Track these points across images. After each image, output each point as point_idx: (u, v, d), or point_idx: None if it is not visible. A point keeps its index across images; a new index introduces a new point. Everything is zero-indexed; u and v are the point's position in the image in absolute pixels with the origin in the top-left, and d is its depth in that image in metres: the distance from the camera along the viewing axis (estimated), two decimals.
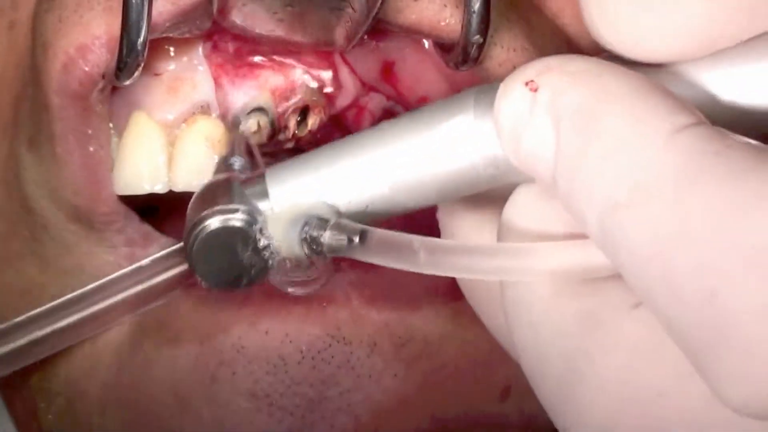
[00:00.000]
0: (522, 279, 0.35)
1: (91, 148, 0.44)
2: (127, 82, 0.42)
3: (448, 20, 0.42)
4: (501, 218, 0.37)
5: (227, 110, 0.48)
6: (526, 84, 0.33)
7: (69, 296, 0.43)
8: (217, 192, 0.40)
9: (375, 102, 0.51)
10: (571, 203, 0.32)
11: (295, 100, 0.48)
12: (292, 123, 0.48)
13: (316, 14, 0.41)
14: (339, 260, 0.44)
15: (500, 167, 0.35)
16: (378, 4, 0.40)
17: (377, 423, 0.45)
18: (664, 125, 0.30)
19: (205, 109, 0.47)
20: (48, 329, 0.43)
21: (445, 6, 0.42)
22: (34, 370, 0.48)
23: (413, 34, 0.43)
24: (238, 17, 0.42)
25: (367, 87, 0.50)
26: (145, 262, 0.43)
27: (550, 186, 0.33)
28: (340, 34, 0.42)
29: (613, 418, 0.32)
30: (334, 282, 0.45)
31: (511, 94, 0.33)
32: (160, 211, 0.50)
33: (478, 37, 0.40)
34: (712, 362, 0.28)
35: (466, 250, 0.35)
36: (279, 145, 0.48)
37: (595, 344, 0.32)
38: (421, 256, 0.35)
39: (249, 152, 0.45)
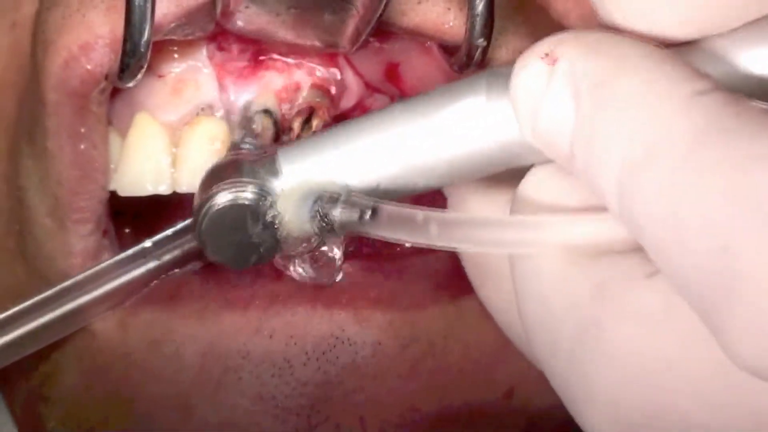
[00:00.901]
0: (535, 251, 0.34)
1: (82, 146, 0.44)
2: (130, 84, 0.42)
3: (452, 23, 0.42)
4: (515, 194, 0.36)
5: (231, 112, 0.48)
6: (544, 57, 0.33)
7: (74, 279, 0.43)
8: (228, 169, 0.39)
9: (379, 103, 0.51)
10: (589, 172, 0.32)
11: (300, 101, 0.48)
12: (297, 124, 0.48)
13: (320, 16, 0.41)
14: (344, 258, 0.44)
15: (512, 150, 0.35)
16: (381, 6, 0.40)
17: (382, 423, 0.45)
18: (682, 88, 0.30)
19: (208, 111, 0.47)
20: (48, 315, 0.43)
21: (449, 9, 0.42)
22: (35, 375, 0.48)
23: (417, 36, 0.43)
24: (241, 19, 0.42)
25: (371, 88, 0.50)
26: (147, 243, 0.43)
27: (568, 161, 0.33)
28: (343, 36, 0.42)
29: (621, 389, 0.32)
30: (338, 283, 0.45)
31: (529, 68, 0.33)
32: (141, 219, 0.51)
33: (482, 40, 0.41)
34: (723, 318, 0.28)
35: (478, 223, 0.35)
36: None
37: (606, 314, 0.32)
38: (432, 230, 0.35)
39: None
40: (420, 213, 0.35)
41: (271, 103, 0.47)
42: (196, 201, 0.39)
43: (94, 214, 0.46)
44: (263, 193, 0.38)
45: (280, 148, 0.39)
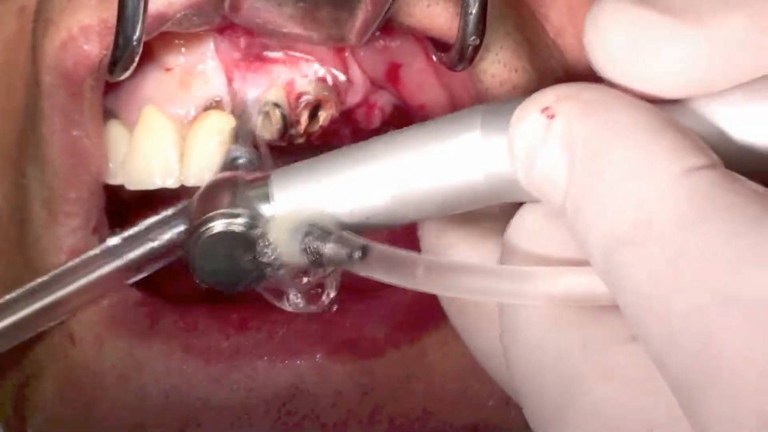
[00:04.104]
0: (522, 303, 0.34)
1: (75, 133, 0.44)
2: (121, 78, 0.42)
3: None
4: (504, 238, 0.36)
5: (239, 105, 0.48)
6: (543, 110, 0.33)
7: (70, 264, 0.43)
8: (222, 191, 0.40)
9: (384, 99, 0.51)
10: (577, 232, 0.32)
11: (307, 95, 0.48)
12: (304, 118, 0.48)
13: (327, 10, 0.41)
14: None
15: (503, 186, 0.35)
16: (390, 3, 0.40)
17: None
18: (672, 165, 0.30)
19: (217, 104, 0.47)
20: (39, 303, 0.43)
21: (457, 14, 0.42)
22: (20, 374, 0.48)
23: (423, 33, 0.43)
24: (249, 12, 0.42)
25: (376, 85, 0.50)
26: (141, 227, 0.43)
27: (560, 211, 0.33)
28: (352, 30, 0.41)
29: None
30: (297, 333, 0.45)
31: (527, 118, 0.33)
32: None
33: (474, 38, 0.41)
34: (699, 405, 0.29)
35: (465, 270, 0.35)
36: (290, 141, 0.48)
37: (590, 372, 0.32)
38: (419, 274, 0.35)
39: (255, 145, 0.45)
40: (408, 256, 0.36)
41: (278, 96, 0.47)
42: (192, 221, 0.40)
43: (83, 207, 0.45)
44: (255, 222, 0.38)
45: (274, 172, 0.39)
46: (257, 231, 0.38)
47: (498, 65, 0.43)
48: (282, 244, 0.38)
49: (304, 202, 0.38)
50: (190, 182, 0.47)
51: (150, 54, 0.47)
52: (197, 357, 0.45)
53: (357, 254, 0.36)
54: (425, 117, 0.49)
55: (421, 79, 0.48)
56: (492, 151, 0.35)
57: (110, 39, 0.40)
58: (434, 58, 0.46)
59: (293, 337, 0.45)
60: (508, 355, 0.35)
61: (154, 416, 0.45)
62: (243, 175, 0.40)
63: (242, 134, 0.46)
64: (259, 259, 0.38)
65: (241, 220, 0.38)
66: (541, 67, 0.44)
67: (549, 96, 0.33)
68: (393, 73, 0.49)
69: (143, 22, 0.39)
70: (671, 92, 0.33)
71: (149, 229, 0.43)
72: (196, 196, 0.40)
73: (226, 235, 0.39)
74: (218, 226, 0.39)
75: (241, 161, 0.44)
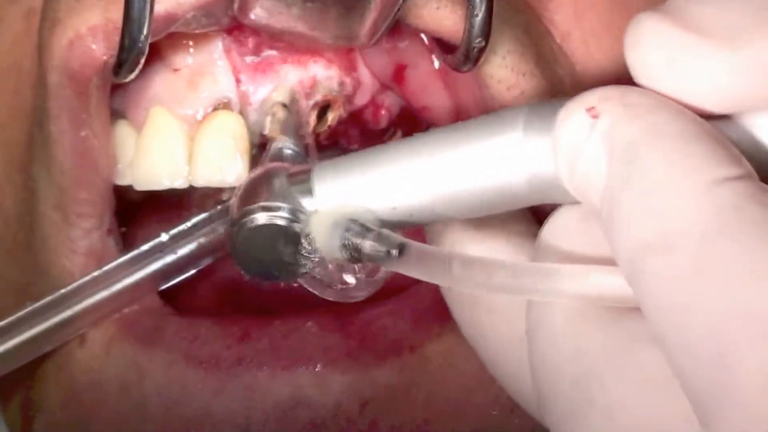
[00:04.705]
0: (555, 300, 0.35)
1: (83, 133, 0.44)
2: (126, 80, 0.42)
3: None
4: (539, 237, 0.37)
5: (247, 105, 0.48)
6: (588, 110, 0.33)
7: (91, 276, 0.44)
8: (265, 183, 0.40)
9: (391, 99, 0.51)
10: (609, 234, 0.33)
11: (316, 95, 0.48)
12: (312, 118, 0.48)
13: (336, 10, 0.41)
14: (306, 319, 0.45)
15: (543, 187, 0.36)
16: (399, 2, 0.40)
17: None
18: (703, 175, 0.30)
19: (225, 105, 0.47)
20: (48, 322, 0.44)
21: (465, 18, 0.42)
22: (28, 377, 0.48)
23: (430, 35, 0.44)
24: (258, 13, 0.42)
25: (383, 85, 0.50)
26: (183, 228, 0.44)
27: (597, 212, 0.33)
28: (362, 30, 0.41)
29: None
30: (298, 343, 0.45)
31: (572, 117, 0.34)
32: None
33: (479, 40, 0.41)
34: (714, 417, 0.29)
35: (501, 267, 0.35)
36: (300, 140, 0.48)
37: (610, 371, 0.33)
38: (455, 271, 0.35)
39: (300, 137, 0.45)
40: (446, 254, 0.36)
41: (287, 96, 0.47)
42: (233, 215, 0.40)
43: (96, 208, 0.46)
44: (296, 216, 0.39)
45: (316, 166, 0.39)
46: (298, 225, 0.39)
47: (505, 70, 0.44)
48: (321, 239, 0.38)
49: (346, 197, 0.38)
50: (199, 183, 0.47)
51: (158, 54, 0.47)
52: (198, 366, 0.45)
53: (394, 252, 0.36)
54: (429, 119, 0.49)
55: (426, 81, 0.48)
56: (533, 152, 0.35)
57: (117, 40, 0.40)
58: (440, 60, 0.46)
59: (294, 347, 0.45)
60: (531, 349, 0.36)
61: (154, 426, 0.45)
62: (286, 167, 0.41)
63: (288, 126, 0.46)
64: (300, 252, 0.39)
65: (282, 213, 0.39)
66: (547, 71, 0.45)
67: (594, 96, 0.33)
68: (399, 74, 0.49)
69: (149, 23, 0.39)
70: (710, 108, 0.33)
71: (176, 237, 0.44)
72: (239, 187, 0.41)
73: (268, 228, 0.39)
74: (260, 218, 0.39)
75: (287, 152, 0.44)
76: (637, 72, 0.34)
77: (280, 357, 0.45)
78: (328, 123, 0.48)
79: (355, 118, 0.51)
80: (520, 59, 0.44)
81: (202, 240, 0.44)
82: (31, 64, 0.46)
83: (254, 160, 0.47)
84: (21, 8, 0.47)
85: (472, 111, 0.46)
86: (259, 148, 0.48)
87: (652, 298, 0.31)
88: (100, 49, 0.42)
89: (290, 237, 0.39)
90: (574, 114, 0.34)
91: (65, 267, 0.46)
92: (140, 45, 0.39)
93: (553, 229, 0.36)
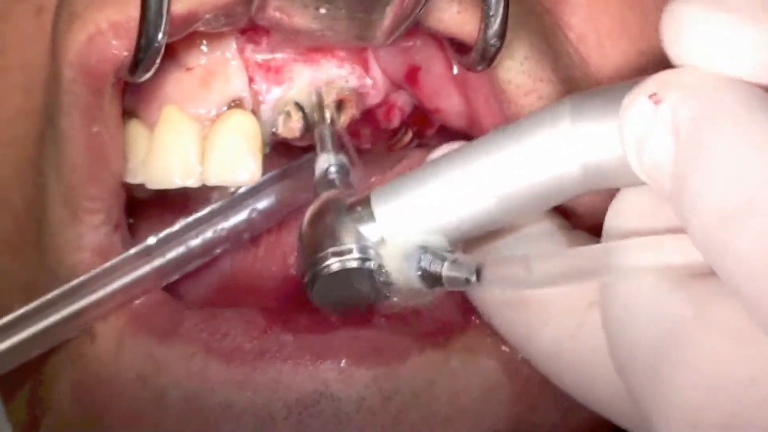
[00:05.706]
0: (633, 275, 0.36)
1: (96, 129, 0.44)
2: (141, 80, 0.41)
3: None
4: (605, 223, 0.38)
5: (260, 104, 0.48)
6: (650, 97, 0.34)
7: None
8: (329, 224, 0.41)
9: (404, 99, 0.51)
10: (679, 210, 0.33)
11: (330, 95, 0.48)
12: (333, 116, 0.48)
13: (354, 12, 0.41)
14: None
15: (597, 172, 0.36)
16: (420, 5, 0.40)
17: None
18: None
19: (238, 104, 0.47)
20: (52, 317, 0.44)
21: None
22: (34, 374, 0.48)
23: (452, 38, 0.44)
24: (275, 12, 0.41)
25: (395, 84, 0.50)
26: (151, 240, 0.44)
27: (664, 192, 0.34)
28: (380, 30, 0.41)
29: (702, 401, 0.33)
30: (323, 339, 0.45)
31: (636, 105, 0.34)
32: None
33: (495, 40, 0.41)
34: None
35: (577, 254, 0.36)
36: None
37: (693, 325, 0.34)
38: (535, 270, 0.36)
39: (340, 146, 0.45)
40: (518, 258, 0.37)
41: (300, 96, 0.47)
42: (304, 262, 0.41)
43: (105, 204, 0.45)
44: (367, 254, 0.40)
45: (373, 192, 0.40)
46: (370, 262, 0.40)
47: (523, 75, 0.44)
48: (396, 271, 0.40)
49: (409, 218, 0.39)
50: (212, 182, 0.47)
51: (171, 53, 0.46)
52: (220, 359, 0.44)
53: (473, 276, 0.38)
54: (442, 120, 0.50)
55: (439, 84, 0.48)
56: (584, 140, 0.36)
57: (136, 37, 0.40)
58: (454, 60, 0.46)
59: (318, 341, 0.45)
60: (607, 322, 0.37)
61: (172, 420, 0.44)
62: (340, 196, 0.42)
63: (323, 138, 0.46)
64: (376, 284, 0.40)
65: (353, 255, 0.40)
66: (564, 76, 0.45)
67: (653, 83, 0.34)
68: (412, 75, 0.49)
69: (166, 22, 0.39)
70: (757, 82, 0.34)
71: (183, 230, 0.43)
72: (303, 225, 0.42)
73: (342, 272, 0.40)
74: (334, 266, 0.40)
75: (332, 170, 0.44)
76: (683, 59, 0.34)
77: (305, 350, 0.44)
78: (341, 123, 0.48)
79: (367, 117, 0.51)
80: (536, 65, 0.44)
81: (212, 231, 0.45)
82: (43, 61, 0.45)
83: (266, 159, 0.47)
84: (30, 6, 0.46)
85: (484, 114, 0.46)
86: (272, 147, 0.48)
87: (733, 265, 0.31)
88: (119, 46, 0.41)
89: (365, 274, 0.40)
90: (636, 101, 0.34)
91: (73, 264, 0.46)
92: (157, 45, 0.39)
93: (618, 213, 0.38)
